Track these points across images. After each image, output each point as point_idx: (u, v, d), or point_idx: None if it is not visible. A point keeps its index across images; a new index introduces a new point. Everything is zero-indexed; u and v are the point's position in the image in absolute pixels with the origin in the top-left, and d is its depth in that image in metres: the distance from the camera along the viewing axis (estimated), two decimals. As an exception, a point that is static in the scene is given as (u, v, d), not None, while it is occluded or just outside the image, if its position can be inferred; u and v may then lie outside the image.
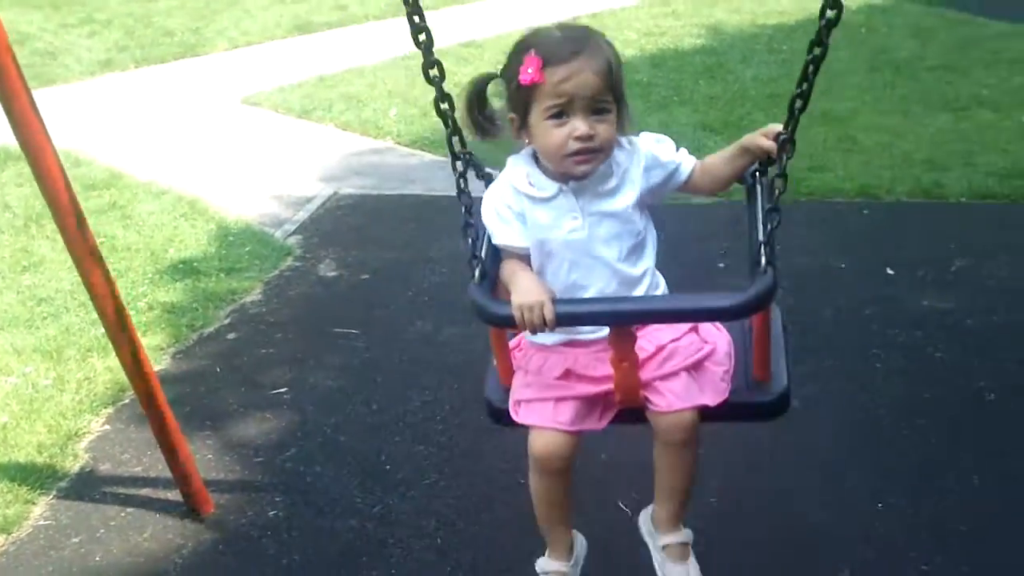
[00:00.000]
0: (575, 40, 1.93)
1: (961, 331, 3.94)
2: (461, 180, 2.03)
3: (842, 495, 3.04)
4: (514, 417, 2.07)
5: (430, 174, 6.02)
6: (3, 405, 3.66)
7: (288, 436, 3.48)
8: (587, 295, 2.01)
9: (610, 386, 1.99)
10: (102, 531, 3.04)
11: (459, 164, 2.04)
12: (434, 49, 1.95)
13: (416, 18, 1.92)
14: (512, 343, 2.16)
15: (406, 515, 3.04)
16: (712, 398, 1.99)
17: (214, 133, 7.16)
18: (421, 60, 1.95)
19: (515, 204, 2.03)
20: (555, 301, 1.87)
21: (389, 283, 4.59)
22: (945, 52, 8.33)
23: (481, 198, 2.07)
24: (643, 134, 2.09)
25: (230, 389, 3.79)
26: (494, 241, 2.05)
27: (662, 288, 2.12)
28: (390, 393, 3.69)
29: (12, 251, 5.01)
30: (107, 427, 3.58)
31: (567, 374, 2.04)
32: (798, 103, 1.88)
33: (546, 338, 2.04)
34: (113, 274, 4.26)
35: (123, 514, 3.12)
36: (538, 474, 2.08)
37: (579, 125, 1.91)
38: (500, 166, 2.09)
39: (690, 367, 2.02)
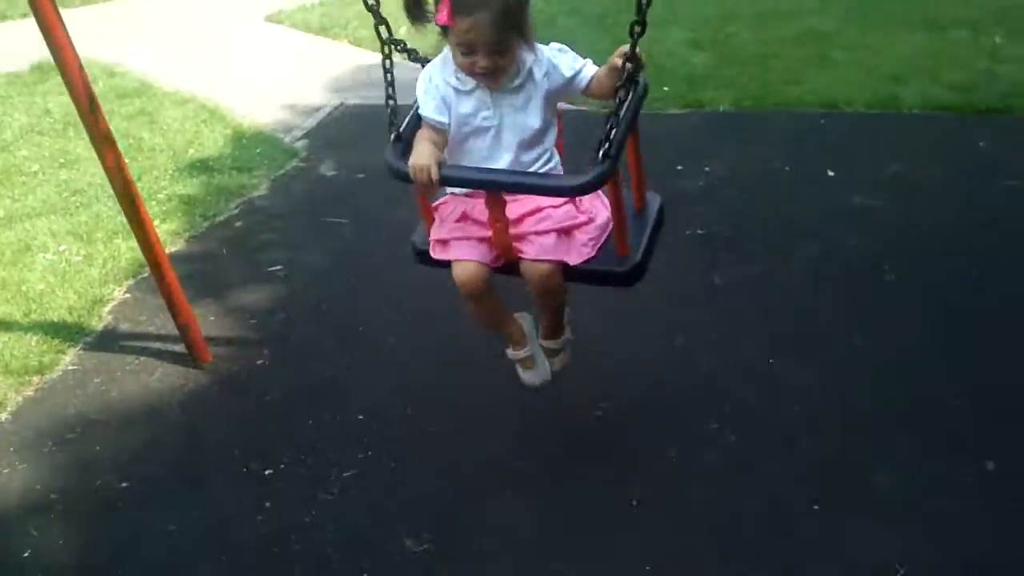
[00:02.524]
0: None
1: (880, 224, 4.40)
2: (386, 60, 2.47)
3: (739, 355, 3.56)
4: (433, 255, 2.57)
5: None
6: (41, 276, 4.27)
7: (278, 304, 4.07)
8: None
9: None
10: (119, 374, 3.65)
11: (385, 47, 2.46)
12: None
13: None
14: (439, 201, 2.64)
15: (369, 366, 3.61)
16: (573, 258, 2.46)
17: (237, 48, 7.69)
18: None
19: (444, 89, 2.45)
20: (440, 165, 2.34)
21: (378, 181, 5.04)
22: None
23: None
24: (550, 44, 2.47)
25: (234, 267, 4.37)
26: (420, 111, 2.47)
27: (556, 164, 2.59)
28: (368, 270, 4.25)
29: (52, 150, 5.61)
30: (127, 295, 4.19)
31: (464, 216, 2.54)
32: (637, 28, 2.20)
33: (456, 188, 2.55)
34: (138, 170, 4.90)
35: (137, 362, 3.72)
36: (467, 299, 2.56)
37: (481, 60, 2.31)
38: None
39: (560, 230, 2.48)
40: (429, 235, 2.63)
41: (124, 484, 3.10)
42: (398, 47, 2.55)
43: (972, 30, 6.96)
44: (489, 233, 2.50)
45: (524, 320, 2.80)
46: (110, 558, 2.82)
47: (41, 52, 7.17)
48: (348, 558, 2.76)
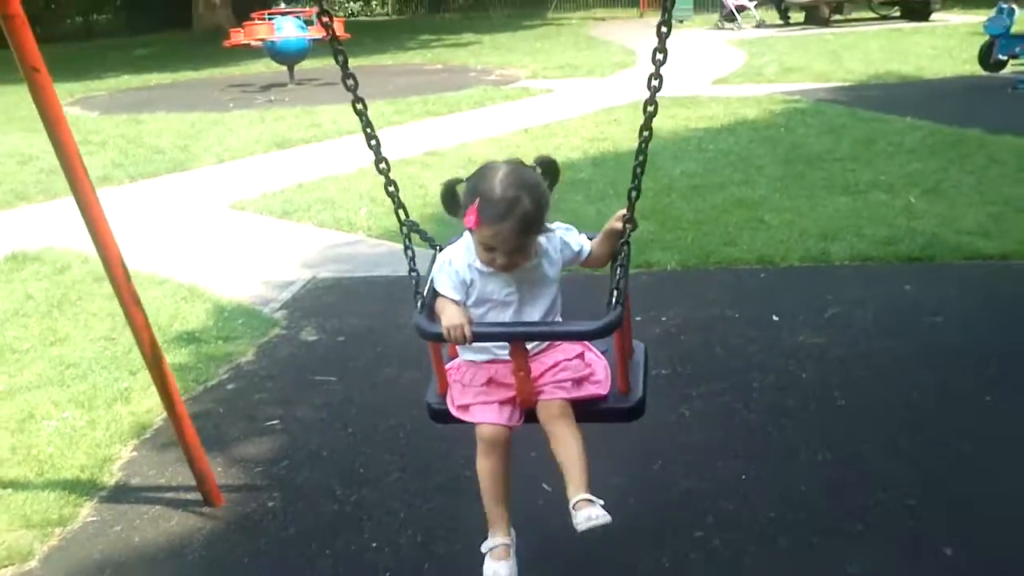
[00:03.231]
0: (507, 204, 2.59)
1: (827, 359, 4.86)
2: (406, 239, 2.89)
3: (715, 472, 3.90)
4: (461, 418, 2.87)
5: (396, 260, 6.95)
6: (48, 440, 4.49)
7: (280, 453, 4.33)
8: None
9: (514, 392, 2.82)
10: (137, 522, 3.86)
11: (403, 228, 2.92)
12: (384, 152, 2.80)
13: (368, 129, 2.79)
14: (449, 365, 2.96)
15: (376, 501, 3.87)
16: (582, 395, 2.85)
17: (205, 233, 8.10)
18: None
19: (465, 273, 2.78)
20: (472, 323, 2.69)
21: (361, 343, 5.49)
22: (853, 145, 9.47)
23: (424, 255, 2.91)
24: (556, 224, 2.86)
25: (232, 423, 4.63)
26: (437, 288, 2.82)
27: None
28: (362, 420, 4.55)
29: (40, 330, 5.88)
30: (135, 453, 4.42)
31: (489, 382, 2.84)
32: (633, 193, 2.74)
33: (476, 356, 2.88)
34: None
35: (153, 509, 3.94)
36: (484, 456, 2.83)
37: (500, 259, 2.68)
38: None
39: (574, 379, 2.86)
40: (442, 394, 2.96)
41: (157, 617, 3.30)
42: (414, 229, 2.97)
43: (888, 192, 7.70)
44: (511, 395, 2.82)
45: (512, 530, 2.96)
46: None
47: (14, 243, 7.61)
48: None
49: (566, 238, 2.87)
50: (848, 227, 6.87)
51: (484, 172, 2.70)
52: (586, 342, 2.93)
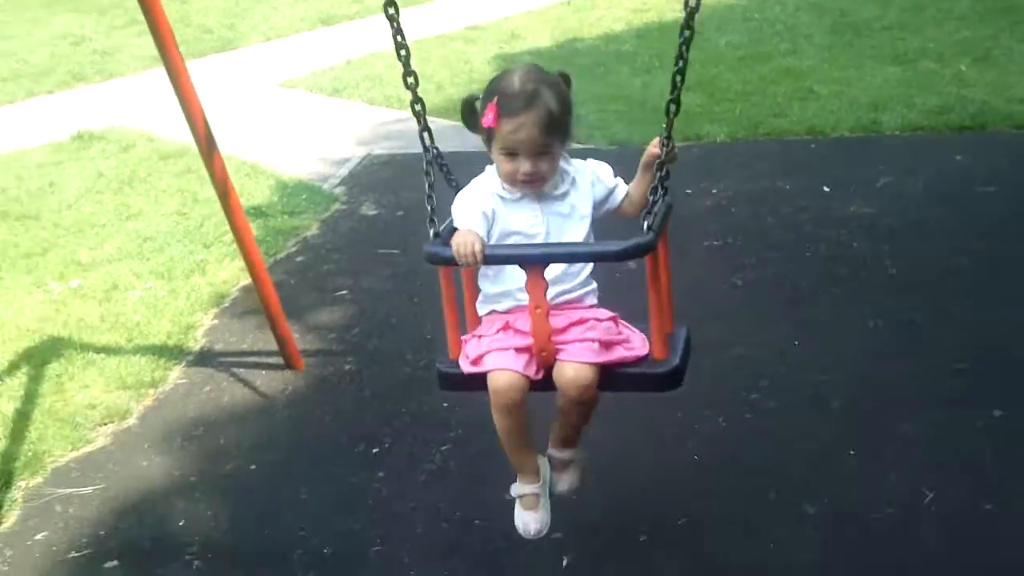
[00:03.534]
0: (527, 96, 2.35)
1: (877, 228, 4.98)
2: (427, 164, 2.53)
3: (765, 335, 4.09)
4: (473, 371, 2.42)
5: (450, 135, 6.98)
6: (134, 309, 4.75)
7: (351, 321, 4.57)
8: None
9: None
10: (224, 383, 4.14)
11: (426, 154, 2.53)
12: (412, 59, 2.39)
13: (399, 37, 2.39)
14: (467, 337, 2.51)
15: (446, 364, 4.11)
16: (612, 359, 2.39)
17: (259, 111, 8.25)
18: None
19: (488, 205, 2.46)
20: (484, 243, 2.30)
21: (420, 216, 5.63)
22: (900, 13, 9.31)
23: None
24: (588, 159, 2.59)
25: (304, 293, 4.86)
26: (456, 222, 2.46)
27: (594, 288, 2.58)
28: (427, 290, 4.72)
29: (115, 206, 6.12)
30: (215, 321, 4.68)
31: (505, 326, 2.44)
32: (672, 107, 2.29)
33: (496, 304, 2.51)
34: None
35: (238, 372, 4.21)
36: (499, 412, 2.41)
37: (524, 164, 2.38)
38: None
39: (602, 341, 2.40)
40: (454, 355, 2.52)
41: (253, 467, 3.58)
42: (438, 160, 2.59)
43: (938, 61, 7.65)
44: (527, 342, 2.40)
45: (543, 463, 2.65)
46: (255, 521, 3.28)
47: (78, 123, 7.83)
48: (460, 511, 3.24)
49: (599, 172, 2.59)
50: (898, 97, 6.88)
51: (501, 74, 2.50)
52: (618, 319, 2.53)
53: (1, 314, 4.84)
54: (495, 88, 2.43)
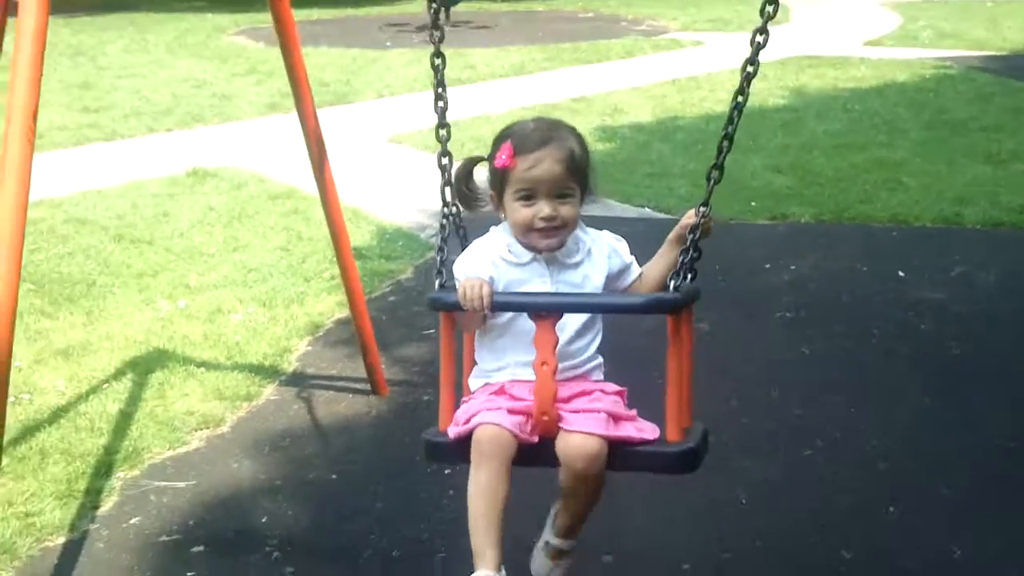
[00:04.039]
0: (543, 132, 2.33)
1: (946, 313, 5.14)
2: (443, 218, 2.56)
3: (824, 402, 4.28)
4: (460, 433, 2.30)
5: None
6: (235, 331, 5.12)
7: (435, 355, 4.70)
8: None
9: (530, 403, 2.27)
10: (313, 402, 4.46)
11: (444, 209, 2.58)
12: (449, 118, 2.53)
13: (440, 89, 2.51)
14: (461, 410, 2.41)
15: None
16: (619, 435, 2.25)
17: (367, 162, 8.71)
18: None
19: (486, 270, 2.37)
20: (491, 289, 2.27)
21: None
22: (999, 114, 9.50)
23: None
24: (604, 231, 2.49)
25: (393, 329, 5.19)
26: (457, 276, 2.44)
27: (600, 363, 2.50)
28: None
29: (224, 238, 6.56)
30: (309, 348, 5.02)
31: (500, 391, 2.35)
32: (714, 174, 2.27)
33: (492, 375, 2.43)
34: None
35: (327, 394, 4.53)
36: (478, 469, 2.24)
37: (543, 207, 2.27)
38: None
39: (610, 413, 2.28)
40: (443, 427, 2.45)
41: (333, 476, 3.87)
42: (456, 219, 2.65)
43: (1029, 163, 7.78)
44: (524, 405, 2.28)
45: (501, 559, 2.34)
46: (332, 523, 3.56)
47: (195, 160, 8.39)
48: (519, 531, 3.46)
49: (616, 245, 2.47)
50: (984, 193, 7.03)
51: (509, 126, 2.48)
52: (624, 394, 2.45)
53: (112, 326, 5.24)
54: (507, 132, 2.40)
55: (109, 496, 3.77)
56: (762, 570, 3.23)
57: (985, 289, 5.43)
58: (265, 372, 4.73)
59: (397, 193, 7.70)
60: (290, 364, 4.85)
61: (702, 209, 2.27)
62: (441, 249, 2.48)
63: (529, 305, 2.28)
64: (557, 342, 2.24)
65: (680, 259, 2.25)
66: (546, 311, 2.24)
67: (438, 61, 2.49)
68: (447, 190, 2.53)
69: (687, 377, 2.28)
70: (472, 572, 2.30)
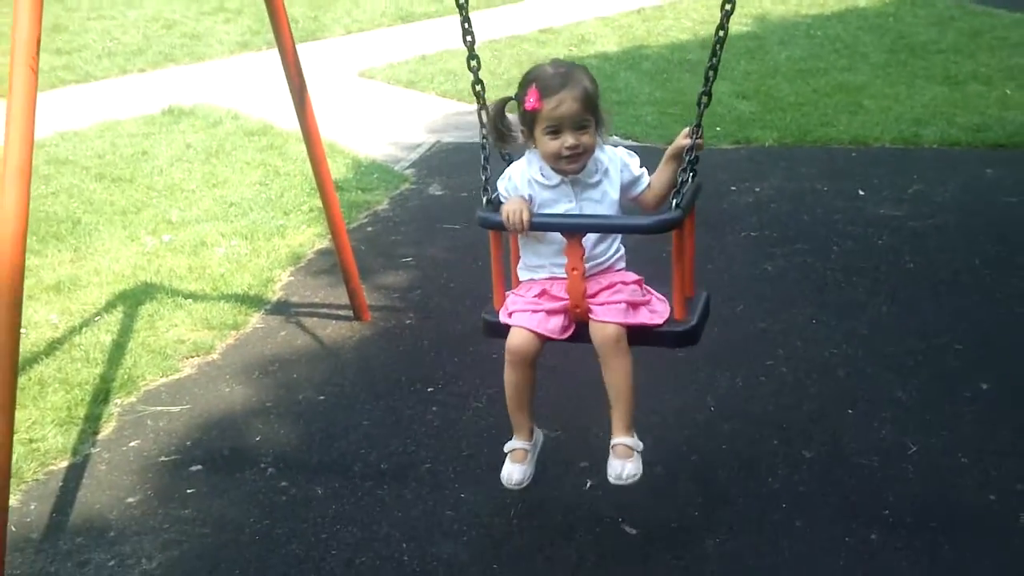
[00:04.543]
0: (562, 76, 2.65)
1: (903, 229, 5.37)
2: (483, 138, 2.84)
3: (787, 314, 4.51)
4: (505, 320, 2.80)
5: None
6: (219, 263, 5.28)
7: (414, 283, 5.06)
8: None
9: (566, 303, 2.73)
10: (298, 329, 4.64)
11: (482, 129, 2.84)
12: (477, 46, 2.73)
13: (466, 24, 2.77)
14: (509, 292, 2.89)
15: (496, 324, 4.58)
16: (641, 319, 2.73)
17: (339, 97, 8.80)
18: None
19: (525, 187, 2.75)
20: (531, 212, 2.65)
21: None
22: (957, 37, 9.67)
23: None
24: (619, 147, 2.84)
25: (372, 259, 5.35)
26: (500, 195, 2.83)
27: (622, 254, 2.88)
28: (482, 256, 5.15)
29: (202, 174, 6.69)
30: (291, 278, 5.20)
31: (543, 293, 2.78)
32: (704, 99, 2.59)
33: (535, 273, 2.84)
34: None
35: (311, 321, 4.71)
36: (510, 367, 2.78)
37: (568, 138, 2.63)
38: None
39: (629, 303, 2.73)
40: (498, 309, 2.90)
41: (321, 397, 4.07)
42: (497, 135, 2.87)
43: (985, 84, 8.00)
44: (562, 305, 2.74)
45: (536, 431, 2.98)
46: (322, 441, 3.76)
47: (170, 99, 8.42)
48: (504, 439, 3.67)
49: (626, 160, 2.83)
50: (941, 114, 7.24)
51: (531, 68, 2.78)
52: (643, 282, 2.86)
53: (99, 261, 5.38)
54: (531, 77, 2.71)
55: (108, 422, 3.96)
56: (729, 471, 3.46)
57: (940, 204, 5.65)
58: (250, 302, 4.90)
59: (370, 127, 7.83)
60: (274, 294, 5.02)
61: (696, 130, 2.63)
62: (484, 168, 2.84)
63: (559, 226, 2.70)
64: (584, 252, 2.69)
65: (680, 178, 2.65)
66: (574, 230, 2.68)
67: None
68: (482, 113, 2.83)
69: (689, 266, 2.79)
70: (510, 440, 2.95)
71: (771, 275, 4.93)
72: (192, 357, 4.43)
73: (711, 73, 2.60)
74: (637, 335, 2.74)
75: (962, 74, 8.33)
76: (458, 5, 2.80)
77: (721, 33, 2.57)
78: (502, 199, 2.82)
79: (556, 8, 12.22)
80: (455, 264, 5.24)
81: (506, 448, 2.95)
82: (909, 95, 7.80)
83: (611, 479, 2.79)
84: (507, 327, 2.80)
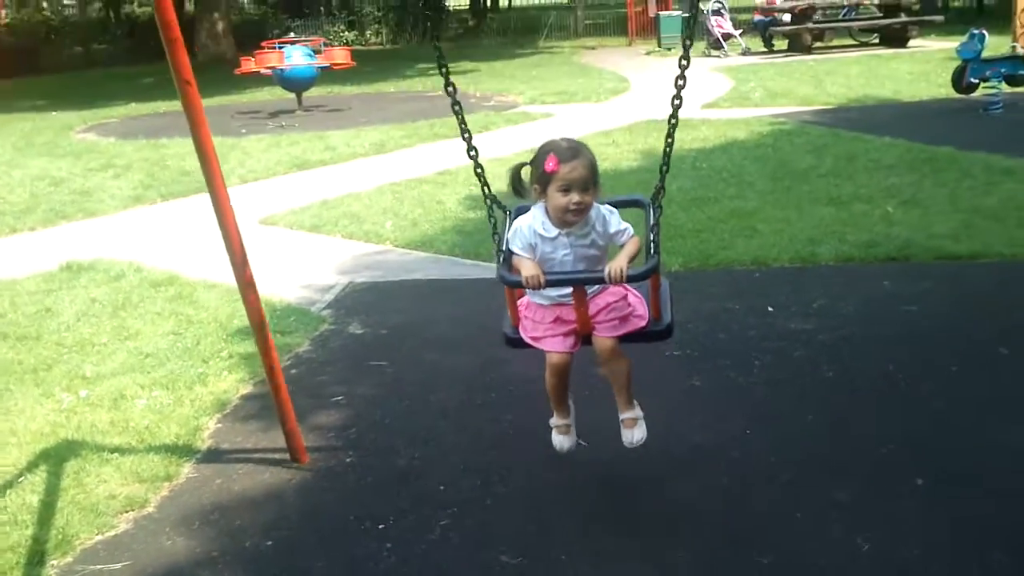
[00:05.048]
0: (574, 148, 3.50)
1: (815, 341, 5.59)
2: (490, 209, 3.79)
3: (720, 427, 4.62)
4: (534, 345, 3.74)
5: (425, 266, 7.70)
6: (142, 415, 5.16)
7: (348, 421, 5.02)
8: None
9: (575, 325, 3.67)
10: (235, 476, 4.54)
11: (487, 200, 3.78)
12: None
13: (463, 124, 3.65)
14: (519, 302, 3.79)
15: (437, 456, 4.56)
16: (631, 327, 3.71)
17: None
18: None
19: (531, 237, 3.58)
20: (545, 274, 3.50)
21: (404, 334, 6.20)
22: (835, 162, 10.23)
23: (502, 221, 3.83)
24: (604, 205, 3.65)
25: (301, 399, 5.25)
26: (512, 248, 3.62)
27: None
28: (415, 394, 5.25)
29: (112, 327, 6.56)
30: (219, 425, 5.10)
31: (556, 320, 3.70)
32: (664, 168, 3.58)
33: (544, 299, 3.70)
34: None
35: (246, 467, 4.62)
36: (551, 375, 3.75)
37: (576, 196, 3.45)
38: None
39: (620, 318, 3.69)
40: (515, 326, 3.82)
41: (269, 543, 3.98)
42: (495, 201, 3.84)
43: (868, 203, 8.46)
44: (571, 327, 3.68)
45: (571, 409, 4.01)
46: (277, 585, 3.68)
47: (66, 255, 8.26)
48: (463, 573, 3.67)
49: (608, 217, 3.63)
50: (832, 233, 7.61)
51: (545, 143, 3.57)
52: (627, 290, 3.73)
53: (15, 422, 5.21)
54: (548, 149, 3.51)
55: (46, 584, 3.79)
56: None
57: (846, 317, 5.91)
58: (180, 451, 4.79)
59: (280, 271, 7.82)
60: (203, 442, 4.92)
61: (659, 193, 3.61)
62: (494, 235, 3.74)
63: (568, 282, 3.54)
64: (586, 296, 3.58)
65: (650, 235, 3.58)
66: (580, 284, 3.54)
67: (456, 107, 3.66)
68: (485, 189, 3.75)
69: (657, 289, 3.75)
70: (553, 416, 3.97)
71: (700, 390, 5.06)
72: (126, 512, 4.29)
73: (668, 148, 3.58)
74: (630, 337, 3.70)
75: (844, 195, 8.79)
76: (461, 128, 3.67)
77: (674, 121, 3.59)
78: (512, 248, 3.61)
79: (449, 152, 12.49)
80: (386, 400, 5.23)
81: (551, 423, 3.99)
82: (799, 217, 8.18)
83: (626, 444, 3.83)
84: (524, 341, 3.77)
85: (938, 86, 15.33)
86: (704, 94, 16.58)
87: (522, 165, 3.67)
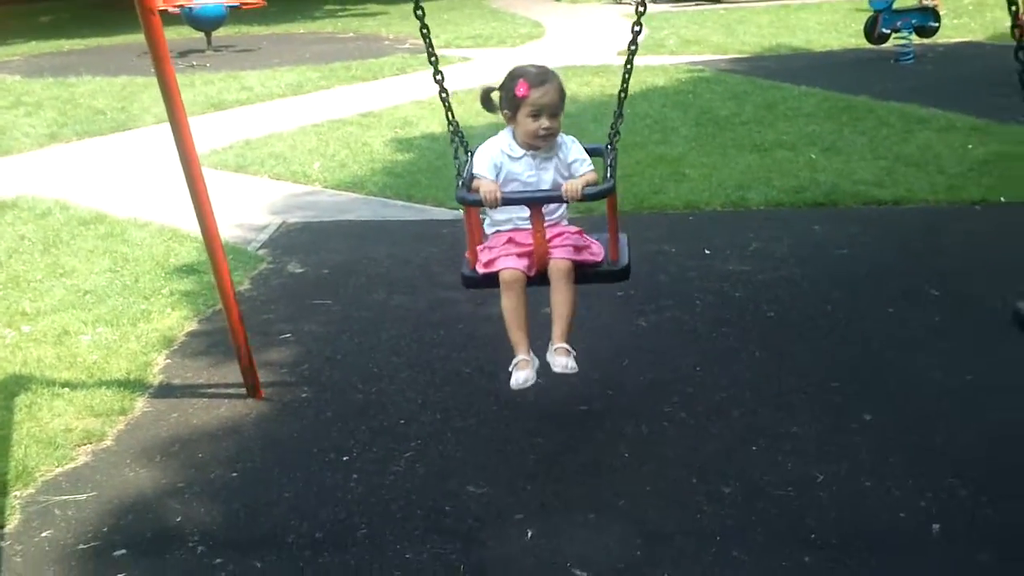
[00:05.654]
0: (544, 73, 3.62)
1: (754, 282, 5.75)
2: (454, 136, 3.87)
3: (670, 364, 4.76)
4: (487, 271, 3.72)
5: (357, 207, 7.67)
6: (89, 351, 5.10)
7: (300, 358, 5.03)
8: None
9: (532, 248, 3.68)
10: (191, 410, 4.53)
11: (450, 127, 3.87)
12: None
13: (430, 48, 3.78)
14: (481, 246, 3.79)
15: (395, 392, 4.60)
16: (585, 257, 3.78)
17: (166, 184, 8.58)
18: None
19: (498, 158, 3.70)
20: (503, 193, 3.58)
21: (345, 274, 6.19)
22: (755, 110, 10.39)
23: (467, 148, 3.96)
24: (570, 136, 3.82)
25: (251, 337, 5.22)
26: (474, 170, 3.70)
27: (566, 212, 3.94)
28: (365, 332, 5.27)
29: (45, 264, 6.42)
30: (169, 361, 5.06)
31: (509, 241, 3.74)
32: (622, 95, 3.84)
33: (501, 226, 3.80)
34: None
35: (202, 402, 4.60)
36: (505, 295, 3.66)
37: (546, 121, 3.60)
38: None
39: (575, 246, 3.76)
40: (473, 268, 3.80)
41: (234, 474, 3.99)
42: (457, 132, 3.92)
43: (791, 150, 8.64)
44: (527, 249, 3.69)
45: (533, 356, 3.73)
46: (248, 516, 3.70)
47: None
48: (432, 501, 3.74)
49: (571, 144, 3.80)
50: (760, 179, 7.79)
51: (517, 68, 3.70)
52: (583, 232, 3.85)
53: (-43, 358, 5.10)
54: (519, 73, 3.63)
55: (12, 515, 3.76)
56: (658, 511, 3.65)
57: (781, 259, 6.09)
58: (132, 386, 4.75)
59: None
60: (155, 377, 4.88)
61: (618, 121, 3.83)
62: (456, 158, 3.82)
63: (525, 200, 3.60)
64: (543, 218, 3.59)
65: (606, 159, 3.80)
66: (537, 202, 3.58)
67: (424, 31, 3.79)
68: (448, 114, 3.85)
69: (615, 220, 3.80)
70: (514, 356, 3.68)
71: (647, 330, 5.19)
72: (84, 444, 4.26)
73: (626, 75, 3.84)
74: (584, 276, 3.73)
75: (767, 143, 8.97)
76: (428, 52, 3.82)
77: (633, 47, 3.75)
78: (474, 172, 3.68)
79: (369, 94, 12.41)
80: (336, 338, 5.24)
81: (512, 362, 3.67)
82: (725, 163, 8.34)
83: (556, 370, 3.64)
84: (484, 276, 3.72)
85: (848, 36, 15.59)
86: (618, 41, 16.60)
87: (490, 89, 3.78)
